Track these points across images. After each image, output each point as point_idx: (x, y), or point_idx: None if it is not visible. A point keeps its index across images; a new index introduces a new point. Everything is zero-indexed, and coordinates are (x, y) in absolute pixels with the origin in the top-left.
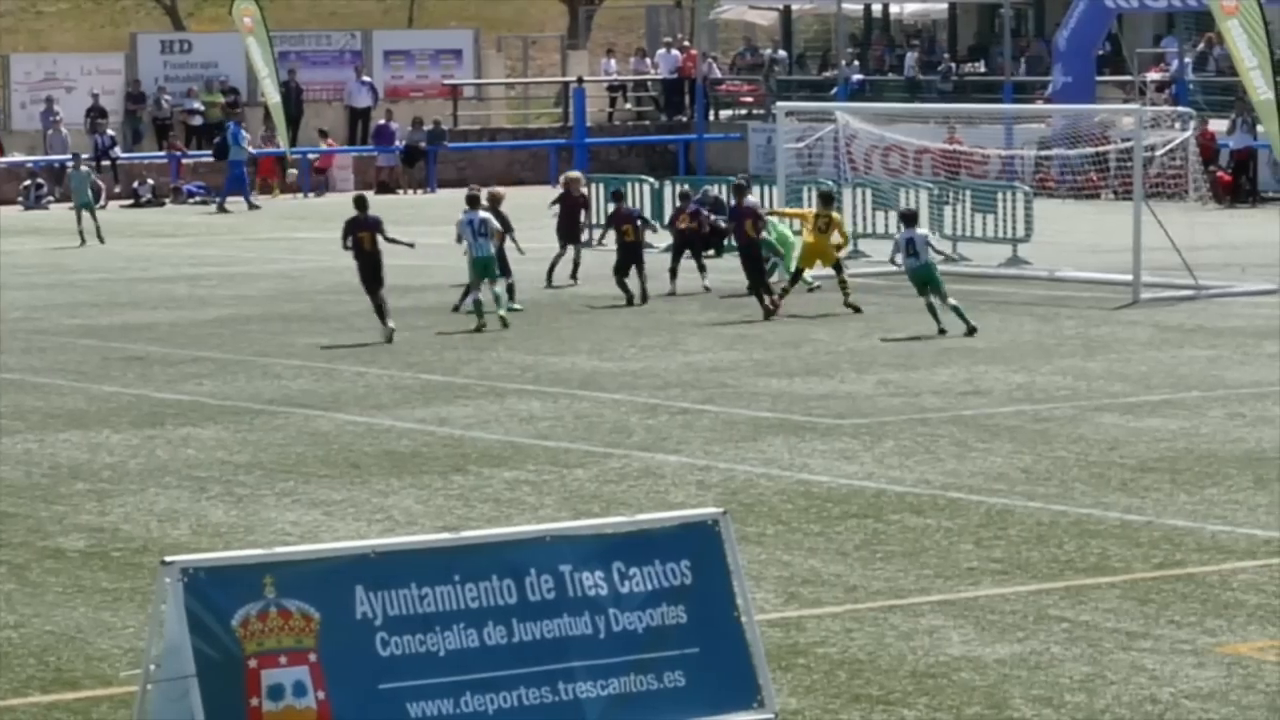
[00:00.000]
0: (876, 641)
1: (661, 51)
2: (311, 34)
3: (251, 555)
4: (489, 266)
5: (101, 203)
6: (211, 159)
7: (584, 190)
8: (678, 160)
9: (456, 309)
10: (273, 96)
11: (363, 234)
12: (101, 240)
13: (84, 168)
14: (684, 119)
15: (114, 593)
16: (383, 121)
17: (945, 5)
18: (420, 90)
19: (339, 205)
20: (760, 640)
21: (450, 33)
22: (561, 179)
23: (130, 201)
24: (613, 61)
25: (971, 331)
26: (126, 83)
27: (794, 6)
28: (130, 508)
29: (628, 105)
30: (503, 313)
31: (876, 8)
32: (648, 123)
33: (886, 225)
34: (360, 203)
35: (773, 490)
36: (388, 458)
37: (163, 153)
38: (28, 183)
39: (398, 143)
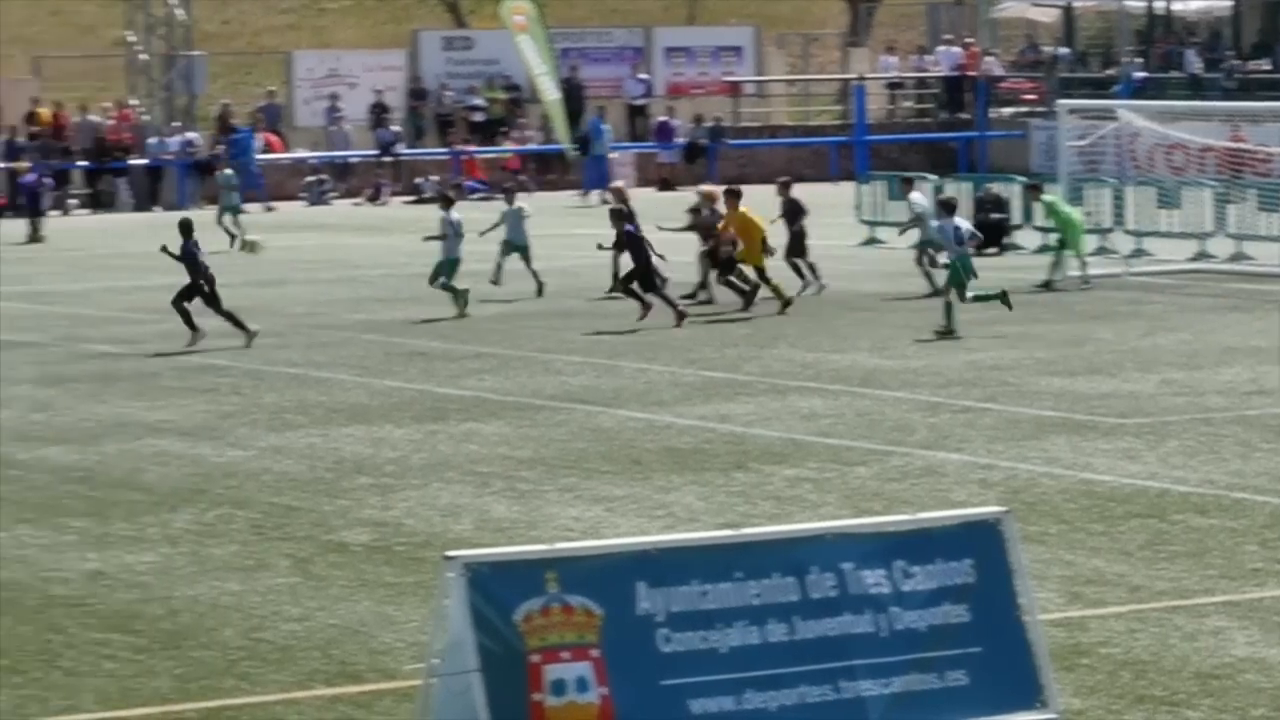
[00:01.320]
0: (1160, 642)
1: (942, 49)
2: (593, 31)
3: (534, 551)
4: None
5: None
6: (497, 154)
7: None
8: (958, 158)
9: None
10: (549, 93)
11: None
12: (244, 243)
13: (228, 170)
14: (965, 116)
15: (397, 587)
16: (664, 118)
17: (1229, 2)
18: (701, 87)
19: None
20: (1043, 640)
21: (731, 29)
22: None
23: (413, 198)
24: (893, 58)
25: (1008, 303)
26: (409, 79)
27: (1076, 4)
28: (413, 502)
29: (908, 103)
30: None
31: (1159, 5)
32: (928, 120)
33: (1170, 224)
34: (186, 227)
35: (1055, 489)
36: (669, 454)
37: (445, 149)
38: (311, 178)
39: (678, 139)
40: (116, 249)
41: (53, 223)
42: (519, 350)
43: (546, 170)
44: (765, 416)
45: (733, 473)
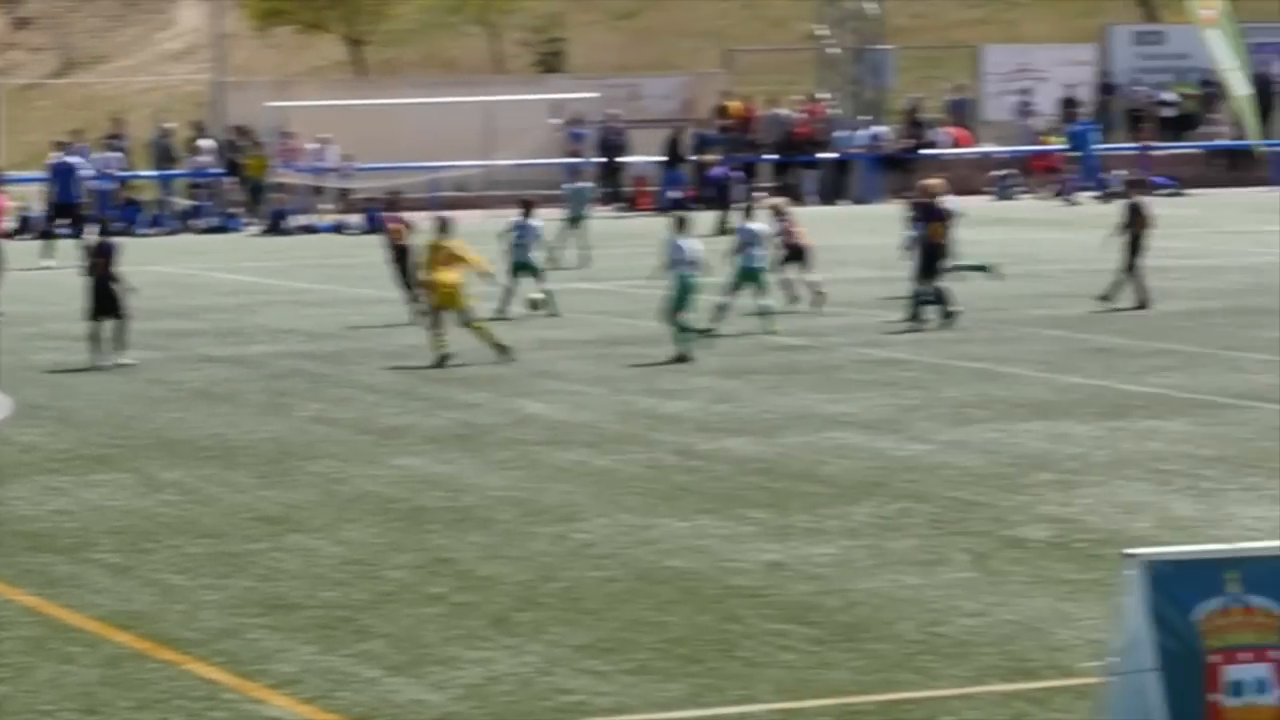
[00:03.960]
0: None
1: None
2: None
3: (1216, 550)
4: (750, 276)
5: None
6: (1182, 150)
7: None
8: None
9: None
10: (1239, 89)
11: (97, 260)
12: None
13: (587, 183)
14: None
15: (1076, 584)
16: None
17: None
18: None
19: None
20: None
21: None
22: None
23: (1099, 193)
24: None
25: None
26: (1098, 74)
27: None
28: (1094, 500)
29: None
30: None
31: None
32: None
33: None
34: (101, 229)
35: None
36: None
37: (1134, 144)
38: (999, 172)
39: None
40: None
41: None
42: (1204, 347)
43: (1235, 167)
44: None
45: None
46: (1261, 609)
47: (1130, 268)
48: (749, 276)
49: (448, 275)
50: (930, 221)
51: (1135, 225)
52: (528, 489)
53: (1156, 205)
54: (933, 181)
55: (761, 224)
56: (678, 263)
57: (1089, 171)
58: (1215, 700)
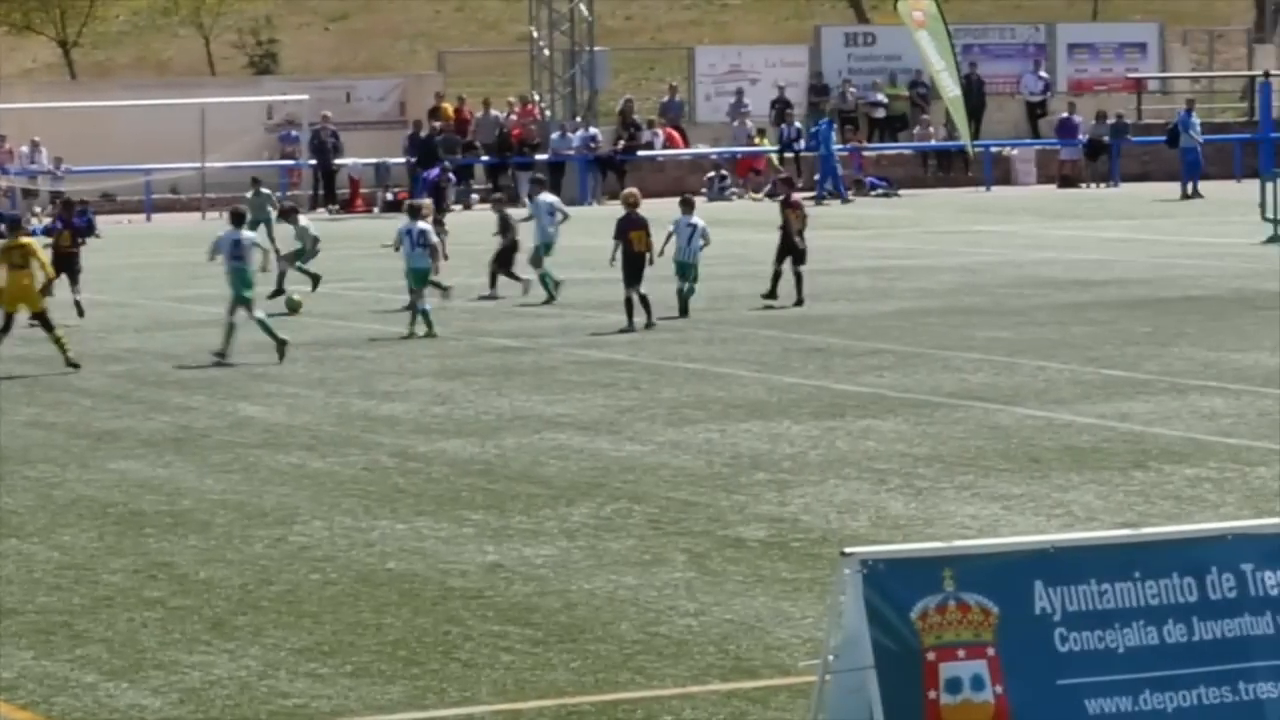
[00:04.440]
0: None
1: None
2: (995, 27)
3: (931, 548)
4: (422, 277)
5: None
6: (895, 150)
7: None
8: None
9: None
10: (950, 91)
11: None
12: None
13: (264, 189)
14: None
15: (793, 583)
16: (1065, 115)
17: None
18: (1104, 83)
19: (1021, 198)
20: None
21: (1135, 25)
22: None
23: (811, 194)
24: None
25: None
26: (810, 75)
27: None
28: (810, 499)
29: None
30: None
31: None
32: None
33: None
34: None
35: None
36: (1068, 453)
37: (845, 145)
38: (712, 174)
39: (1080, 136)
40: None
41: (453, 217)
42: (917, 347)
43: (948, 167)
44: (1165, 415)
45: (1132, 471)
46: (977, 606)
47: (779, 268)
48: (419, 277)
49: (19, 277)
50: (631, 230)
51: (786, 226)
52: (245, 492)
53: (871, 206)
54: (630, 191)
55: (428, 225)
56: (231, 257)
57: (827, 171)
58: (933, 697)
